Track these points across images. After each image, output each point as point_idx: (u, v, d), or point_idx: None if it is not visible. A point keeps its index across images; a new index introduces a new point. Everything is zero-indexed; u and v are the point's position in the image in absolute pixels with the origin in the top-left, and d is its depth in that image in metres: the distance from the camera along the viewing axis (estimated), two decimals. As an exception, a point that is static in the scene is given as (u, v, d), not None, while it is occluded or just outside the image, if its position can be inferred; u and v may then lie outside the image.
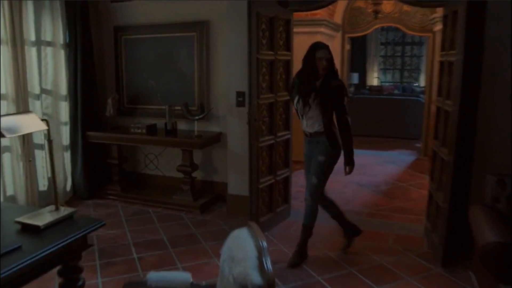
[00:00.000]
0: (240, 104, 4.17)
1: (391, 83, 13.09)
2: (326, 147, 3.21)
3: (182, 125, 4.78)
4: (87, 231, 1.83)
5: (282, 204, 4.22)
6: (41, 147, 4.44)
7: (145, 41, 4.88)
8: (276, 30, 3.81)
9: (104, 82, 5.16)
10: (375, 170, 6.26)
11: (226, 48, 4.32)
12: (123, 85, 5.08)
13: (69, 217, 1.96)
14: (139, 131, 4.64)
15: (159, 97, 4.92)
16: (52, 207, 1.99)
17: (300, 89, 3.22)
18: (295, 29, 4.17)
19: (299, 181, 5.44)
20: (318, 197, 3.33)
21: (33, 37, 4.22)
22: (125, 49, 5.00)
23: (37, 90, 4.33)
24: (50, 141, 1.95)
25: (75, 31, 4.58)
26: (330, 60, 3.14)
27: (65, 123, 4.72)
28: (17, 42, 3.97)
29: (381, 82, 13.37)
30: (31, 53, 4.22)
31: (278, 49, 3.87)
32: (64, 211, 1.94)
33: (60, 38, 4.53)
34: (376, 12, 7.37)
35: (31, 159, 4.06)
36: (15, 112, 4.03)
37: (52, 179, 1.99)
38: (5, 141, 4.09)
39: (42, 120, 1.82)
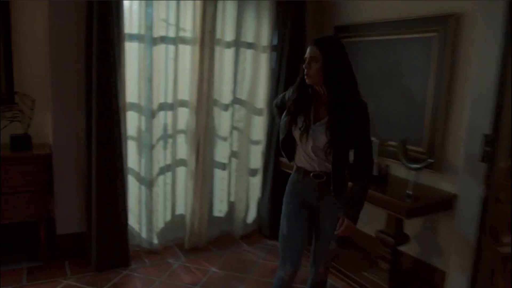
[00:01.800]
0: (487, 157, 2.32)
1: None
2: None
3: (400, 171, 3.21)
4: None
5: None
6: (222, 166, 3.77)
7: (367, 45, 3.50)
8: None
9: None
10: None
11: (484, 57, 2.52)
12: (337, 104, 3.85)
13: None
14: (336, 168, 3.35)
15: (376, 124, 3.45)
16: None
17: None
18: None
19: None
20: None
21: (229, 37, 3.55)
22: (344, 56, 3.77)
23: (227, 100, 3.66)
24: None
25: (284, 31, 3.67)
26: (323, 63, 1.96)
27: (256, 143, 3.88)
28: (205, 43, 3.36)
29: None
30: (224, 55, 3.56)
31: None
32: None
33: (264, 40, 3.70)
34: None
35: None
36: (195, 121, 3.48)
37: None
38: (182, 154, 3.60)
39: None
